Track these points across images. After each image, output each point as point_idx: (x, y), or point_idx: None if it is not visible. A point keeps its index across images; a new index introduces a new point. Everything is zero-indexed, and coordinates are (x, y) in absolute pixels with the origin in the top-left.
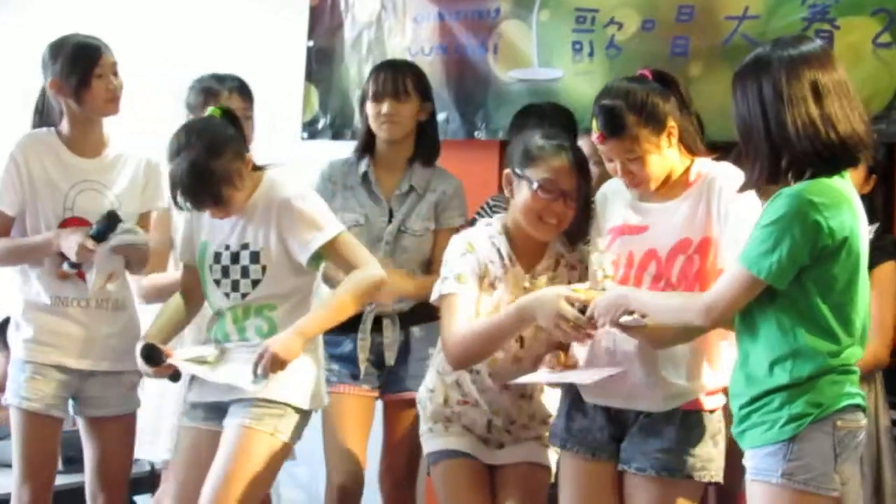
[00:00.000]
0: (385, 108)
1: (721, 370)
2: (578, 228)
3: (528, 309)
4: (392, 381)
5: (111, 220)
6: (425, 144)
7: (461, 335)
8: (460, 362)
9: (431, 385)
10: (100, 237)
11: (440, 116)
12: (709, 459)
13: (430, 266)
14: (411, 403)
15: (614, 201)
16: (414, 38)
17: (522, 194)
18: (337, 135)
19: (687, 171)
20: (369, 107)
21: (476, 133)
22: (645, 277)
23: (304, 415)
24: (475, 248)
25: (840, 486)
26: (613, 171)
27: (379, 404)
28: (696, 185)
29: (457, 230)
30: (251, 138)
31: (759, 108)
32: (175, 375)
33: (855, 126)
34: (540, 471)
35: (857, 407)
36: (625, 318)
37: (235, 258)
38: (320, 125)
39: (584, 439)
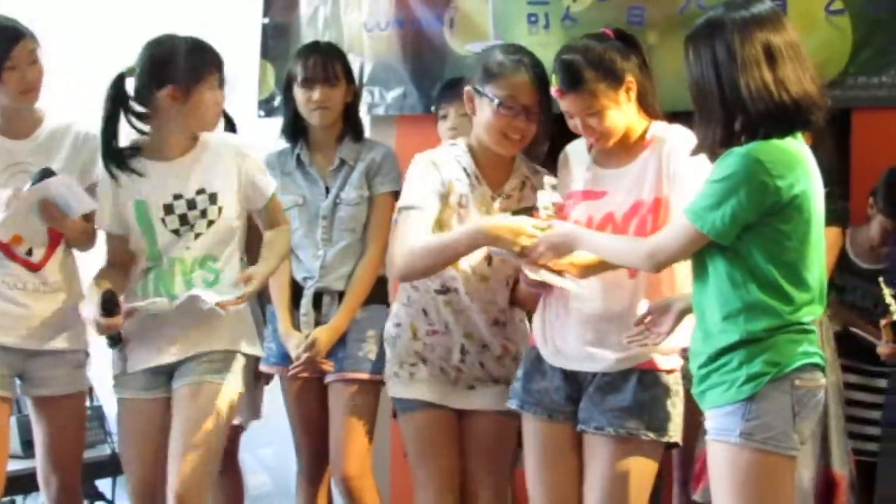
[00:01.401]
0: (317, 94)
1: (677, 331)
2: (540, 144)
3: (483, 230)
4: (330, 360)
5: (44, 174)
6: (353, 123)
7: (410, 248)
8: (404, 275)
9: (397, 319)
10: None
11: (397, 91)
12: (666, 419)
13: (367, 232)
14: (350, 383)
15: (576, 163)
16: (370, 13)
17: (484, 112)
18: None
19: (644, 133)
20: (298, 92)
21: (433, 107)
22: None
23: (251, 359)
24: (438, 166)
25: (799, 445)
26: (574, 127)
27: None
28: (649, 147)
29: (391, 196)
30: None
31: (713, 71)
32: (115, 339)
33: (807, 87)
34: (510, 421)
35: (816, 366)
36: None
37: (192, 204)
38: (276, 102)
39: (542, 401)
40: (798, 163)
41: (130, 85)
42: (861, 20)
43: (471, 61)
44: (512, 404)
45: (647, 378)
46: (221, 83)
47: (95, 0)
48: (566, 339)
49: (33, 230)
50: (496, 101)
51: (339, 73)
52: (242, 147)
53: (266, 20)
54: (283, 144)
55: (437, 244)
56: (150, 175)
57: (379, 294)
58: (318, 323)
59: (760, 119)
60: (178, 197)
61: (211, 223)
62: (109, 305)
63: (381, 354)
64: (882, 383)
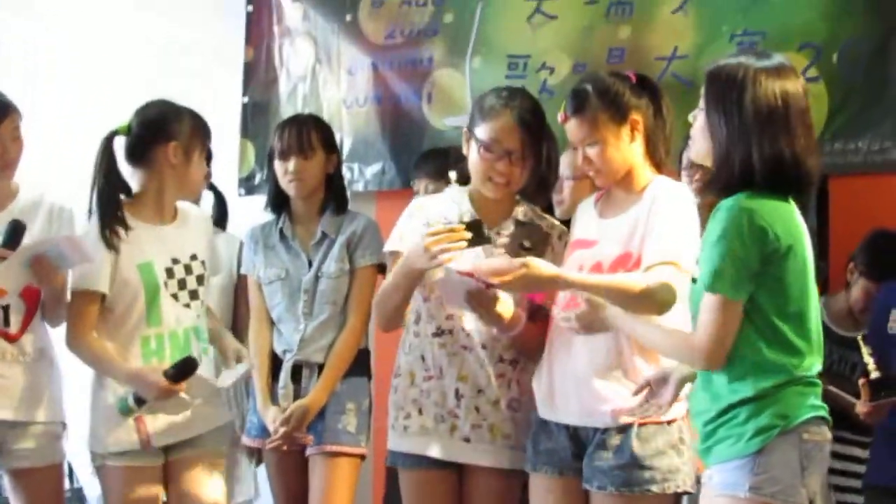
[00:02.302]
0: (291, 165)
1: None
2: (535, 189)
3: (404, 258)
4: (309, 433)
5: (16, 228)
6: (335, 195)
7: (379, 292)
8: (378, 324)
9: (398, 369)
10: (6, 244)
11: (376, 166)
12: (672, 470)
13: (348, 307)
14: (331, 455)
15: (582, 213)
16: (349, 89)
17: (472, 153)
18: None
19: (646, 187)
20: (277, 165)
21: (415, 187)
22: None
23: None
24: (423, 207)
25: (807, 499)
26: (576, 163)
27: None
28: (643, 200)
29: (372, 269)
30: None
31: (728, 119)
32: (142, 400)
33: (811, 154)
34: (513, 482)
35: (823, 419)
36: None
37: (189, 269)
38: (257, 180)
39: (551, 459)
40: (790, 215)
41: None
42: (836, 87)
43: (450, 135)
44: (525, 467)
45: (646, 431)
46: (209, 156)
47: (81, 86)
48: (566, 396)
49: (15, 286)
50: (480, 143)
51: (314, 144)
52: (211, 223)
53: (245, 99)
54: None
55: (386, 286)
56: (149, 237)
57: (359, 366)
58: (297, 396)
59: (765, 174)
60: (175, 261)
61: (205, 291)
62: (186, 372)
63: (360, 426)
64: (858, 451)
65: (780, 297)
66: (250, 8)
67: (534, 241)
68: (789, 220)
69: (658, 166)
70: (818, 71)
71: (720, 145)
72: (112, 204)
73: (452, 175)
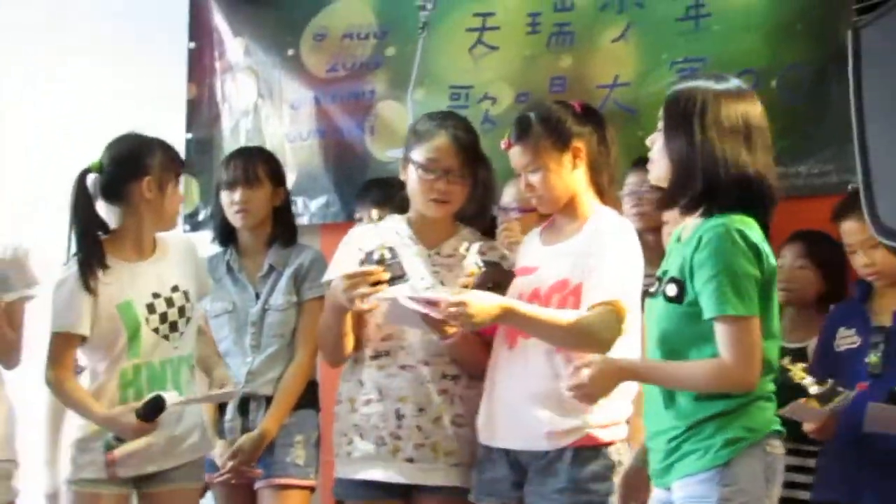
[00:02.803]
0: (237, 196)
1: (615, 402)
2: (475, 213)
3: (329, 294)
4: (258, 467)
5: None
6: (282, 228)
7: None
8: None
9: (339, 396)
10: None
11: (321, 200)
12: (609, 493)
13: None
14: (280, 488)
15: (528, 244)
16: (291, 124)
17: (411, 176)
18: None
19: (588, 217)
20: (223, 196)
21: (357, 214)
22: None
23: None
24: (355, 238)
25: None
26: (521, 190)
27: None
28: (588, 230)
29: (320, 301)
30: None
31: (692, 139)
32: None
33: (771, 173)
34: (464, 501)
35: (780, 434)
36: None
37: (170, 302)
38: (201, 217)
39: (493, 489)
40: (763, 234)
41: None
42: (776, 112)
43: (393, 167)
44: (471, 498)
45: (584, 455)
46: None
47: (25, 122)
48: (505, 421)
49: None
50: (418, 164)
51: (260, 175)
52: (195, 246)
53: (189, 135)
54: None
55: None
56: (128, 274)
57: (308, 399)
58: (244, 429)
59: (734, 193)
60: (156, 296)
61: (188, 321)
62: (156, 410)
63: (309, 459)
64: (811, 462)
65: (768, 318)
66: (192, 45)
67: (499, 281)
68: (766, 240)
69: (601, 194)
70: (758, 97)
71: (682, 165)
72: (91, 245)
73: (374, 213)
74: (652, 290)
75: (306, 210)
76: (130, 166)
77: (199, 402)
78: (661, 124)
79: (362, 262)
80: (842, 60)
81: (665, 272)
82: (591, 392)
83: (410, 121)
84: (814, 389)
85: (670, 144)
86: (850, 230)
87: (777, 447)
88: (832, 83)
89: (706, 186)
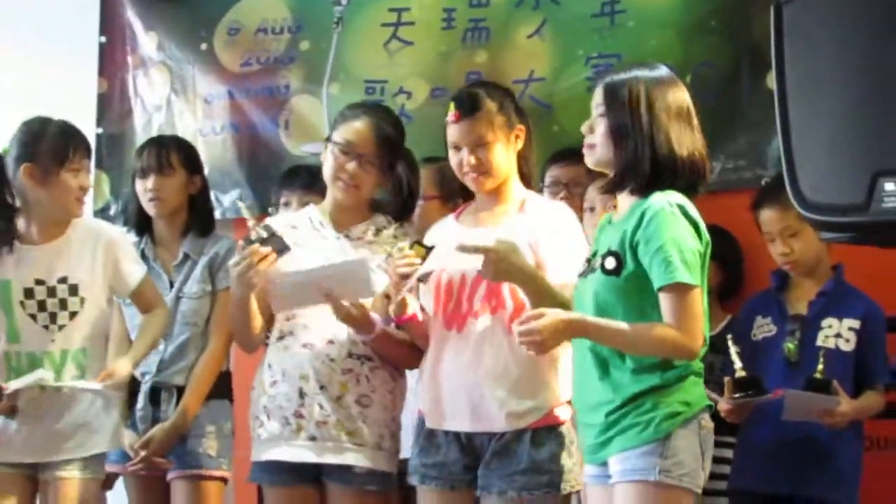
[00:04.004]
0: (150, 183)
1: (564, 379)
2: (398, 211)
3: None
4: (170, 458)
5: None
6: (198, 216)
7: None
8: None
9: (254, 382)
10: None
11: (234, 194)
12: (567, 471)
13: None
14: (193, 478)
15: (443, 231)
16: (205, 119)
17: (328, 158)
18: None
19: (523, 202)
20: (138, 184)
21: (270, 209)
22: (476, 299)
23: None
24: (268, 220)
25: (703, 484)
26: (458, 164)
27: None
28: (521, 214)
29: None
30: None
31: (634, 120)
32: (13, 410)
33: (703, 154)
34: (374, 487)
35: (710, 408)
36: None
37: (52, 292)
38: (112, 212)
39: (441, 473)
40: (700, 217)
41: None
42: None
43: (308, 162)
44: (412, 480)
45: (541, 435)
46: (89, 170)
47: None
48: (456, 403)
49: None
50: (334, 145)
51: (173, 163)
52: (115, 236)
53: (100, 130)
54: None
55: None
56: (18, 256)
57: (220, 389)
58: (155, 420)
59: (685, 174)
60: (39, 283)
61: (74, 314)
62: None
63: (221, 449)
64: (727, 453)
65: (703, 293)
66: (103, 39)
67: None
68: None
69: (527, 184)
70: None
71: (631, 149)
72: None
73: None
74: (580, 272)
75: (219, 205)
76: (16, 154)
77: (67, 387)
78: (599, 111)
79: (241, 249)
80: (755, 57)
81: (595, 253)
82: (542, 340)
83: (325, 115)
84: (740, 373)
85: (616, 130)
86: (769, 219)
87: (709, 422)
88: (745, 80)
89: (656, 168)
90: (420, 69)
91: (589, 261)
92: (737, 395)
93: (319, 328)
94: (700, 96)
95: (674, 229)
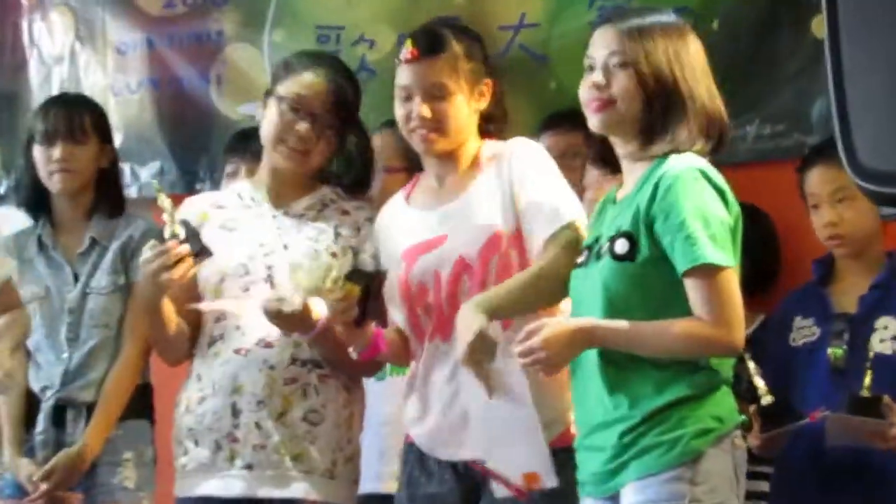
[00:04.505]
0: (58, 152)
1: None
2: (352, 185)
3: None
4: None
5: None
6: (108, 195)
7: None
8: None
9: (178, 397)
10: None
11: (153, 166)
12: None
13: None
14: None
15: (399, 218)
16: (117, 73)
17: (269, 116)
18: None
19: (477, 156)
20: (38, 151)
21: (198, 185)
22: (459, 298)
23: None
24: (183, 206)
25: None
26: (405, 117)
27: None
28: (485, 168)
29: None
30: None
31: (670, 70)
32: None
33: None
34: None
35: (744, 425)
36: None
37: None
38: (3, 189)
39: None
40: (726, 183)
41: None
42: (717, 60)
43: (245, 126)
44: None
45: (555, 459)
46: None
47: None
48: (450, 422)
49: None
50: (281, 99)
51: (87, 129)
52: None
53: None
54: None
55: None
56: None
57: (139, 406)
58: (59, 445)
59: (708, 131)
60: None
61: None
62: None
63: (141, 480)
64: (764, 486)
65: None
66: None
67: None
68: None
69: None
70: None
71: (668, 104)
72: None
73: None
74: (580, 259)
75: (135, 180)
76: None
77: None
78: (617, 58)
79: (153, 246)
80: None
81: (596, 238)
82: (548, 357)
83: (267, 69)
84: (766, 400)
85: (653, 80)
86: (817, 180)
87: (742, 441)
88: (784, 25)
89: (693, 126)
90: (384, 12)
91: (589, 248)
92: (768, 428)
93: (254, 329)
94: (730, 46)
95: (697, 198)
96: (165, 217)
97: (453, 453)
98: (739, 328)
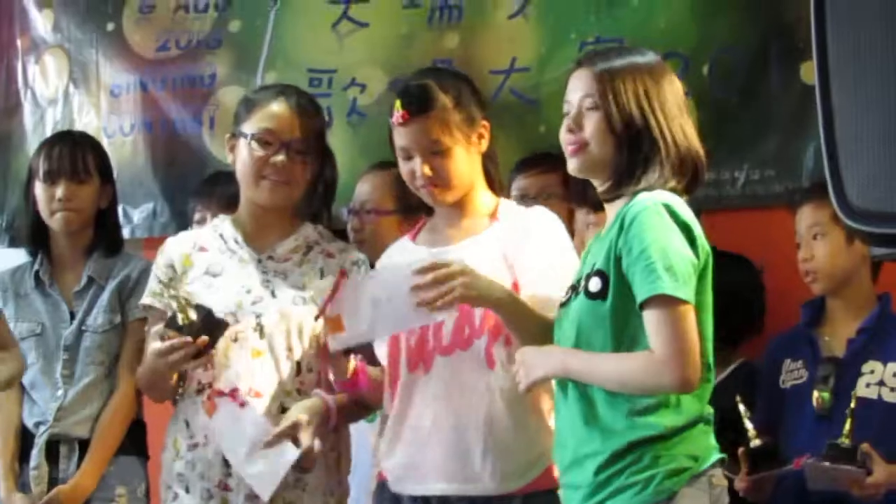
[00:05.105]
0: (61, 191)
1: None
2: (318, 210)
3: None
4: None
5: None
6: (107, 234)
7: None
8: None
9: (165, 440)
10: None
11: (146, 208)
12: None
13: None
14: None
15: (400, 255)
16: (111, 115)
17: (241, 155)
18: (17, 239)
19: (495, 209)
20: (39, 189)
21: (197, 215)
22: (443, 330)
23: None
24: (167, 247)
25: None
26: (409, 175)
27: None
28: (496, 222)
29: (146, 321)
30: None
31: (639, 110)
32: None
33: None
34: None
35: (723, 462)
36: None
37: None
38: None
39: None
40: (696, 221)
41: None
42: (707, 104)
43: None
44: None
45: (536, 501)
46: None
47: None
48: (425, 457)
49: None
50: (250, 137)
51: (90, 168)
52: None
53: None
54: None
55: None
56: None
57: (132, 443)
58: (53, 480)
59: (682, 170)
60: None
61: None
62: None
63: None
64: None
65: (702, 313)
66: None
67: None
68: (696, 223)
69: (496, 191)
70: (686, 85)
71: (640, 146)
72: None
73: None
74: (563, 299)
75: (127, 221)
76: None
77: None
78: (590, 102)
79: (166, 328)
80: (786, 41)
81: (579, 278)
82: (522, 364)
83: None
84: (755, 443)
85: (622, 123)
86: (799, 218)
87: (721, 479)
88: (774, 69)
89: (666, 166)
90: (376, 56)
91: (574, 287)
92: (755, 470)
93: (244, 379)
94: (720, 90)
95: (658, 231)
96: (175, 304)
97: (427, 488)
98: (691, 365)
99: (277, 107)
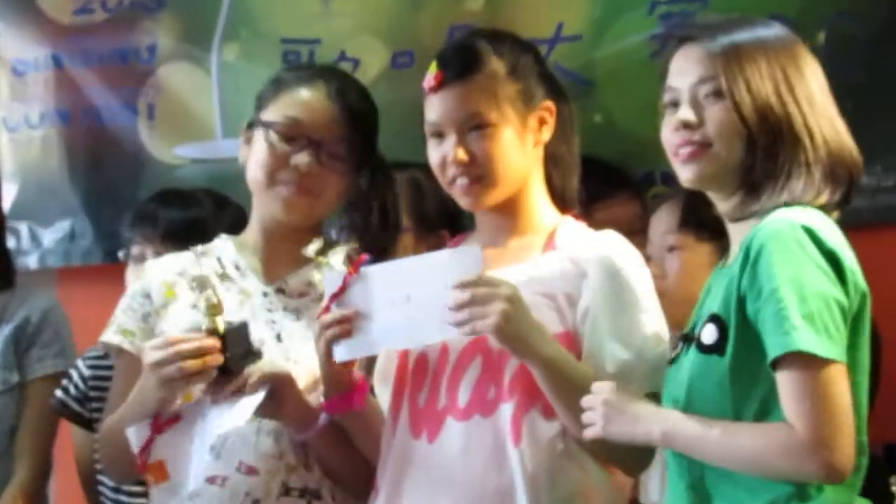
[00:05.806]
0: None
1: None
2: (374, 236)
3: (140, 384)
4: None
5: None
6: None
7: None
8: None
9: None
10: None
11: (61, 227)
12: None
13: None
14: None
15: None
16: (13, 101)
17: (256, 151)
18: None
19: (552, 232)
20: None
21: (121, 253)
22: (462, 386)
23: None
24: (145, 272)
25: None
26: (440, 162)
27: None
28: (554, 249)
29: (54, 381)
30: None
31: (781, 99)
32: None
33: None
34: None
35: None
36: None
37: None
38: None
39: None
40: (849, 249)
41: None
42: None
43: (185, 173)
44: None
45: None
46: None
47: None
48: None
49: None
50: (269, 127)
51: None
52: None
53: None
54: None
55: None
56: None
57: None
58: None
59: (830, 176)
60: None
61: None
62: None
63: None
64: None
65: (856, 374)
66: None
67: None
68: (850, 253)
69: (560, 204)
70: None
71: (767, 147)
72: None
73: (311, 248)
74: (673, 354)
75: (35, 246)
76: None
77: None
78: (709, 86)
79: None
80: None
81: (694, 325)
82: (603, 414)
83: (215, 96)
84: None
85: (761, 114)
86: None
87: None
88: None
89: (806, 174)
90: (373, 23)
91: (686, 337)
92: None
93: (238, 449)
94: (838, 66)
95: (795, 266)
96: (203, 304)
97: None
98: (843, 448)
99: (310, 92)
